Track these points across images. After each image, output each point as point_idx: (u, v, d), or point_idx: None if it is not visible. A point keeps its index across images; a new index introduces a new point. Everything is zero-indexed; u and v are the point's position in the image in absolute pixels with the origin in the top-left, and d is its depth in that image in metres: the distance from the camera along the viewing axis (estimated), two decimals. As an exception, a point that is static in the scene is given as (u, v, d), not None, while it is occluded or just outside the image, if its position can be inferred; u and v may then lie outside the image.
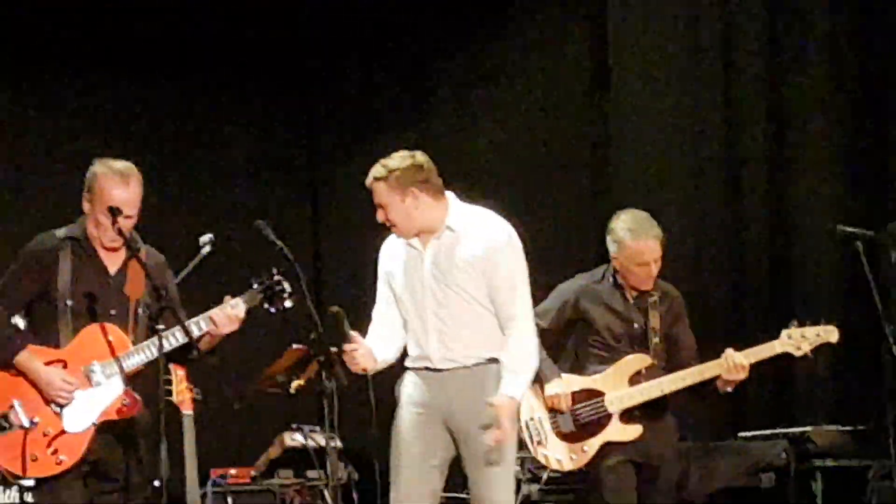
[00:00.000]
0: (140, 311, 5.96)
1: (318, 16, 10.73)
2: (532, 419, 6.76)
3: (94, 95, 10.44)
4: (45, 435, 5.82)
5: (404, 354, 6.07)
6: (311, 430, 9.01)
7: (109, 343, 5.87)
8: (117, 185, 5.86)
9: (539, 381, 6.67)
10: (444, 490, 6.03)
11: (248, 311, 5.96)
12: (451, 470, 5.99)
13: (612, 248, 6.78)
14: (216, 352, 6.09)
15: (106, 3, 9.98)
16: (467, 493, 6.04)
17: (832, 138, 8.66)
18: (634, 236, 6.70)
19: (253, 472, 9.17)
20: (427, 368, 5.97)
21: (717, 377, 6.65)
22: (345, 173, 10.34)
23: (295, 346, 8.29)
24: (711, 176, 9.08)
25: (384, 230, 6.01)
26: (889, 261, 6.87)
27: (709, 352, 6.75)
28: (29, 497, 7.64)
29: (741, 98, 8.99)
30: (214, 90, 10.80)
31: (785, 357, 6.70)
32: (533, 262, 6.09)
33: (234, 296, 5.95)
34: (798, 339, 6.63)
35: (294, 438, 9.16)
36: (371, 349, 5.97)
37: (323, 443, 8.68)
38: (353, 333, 5.91)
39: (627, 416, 6.71)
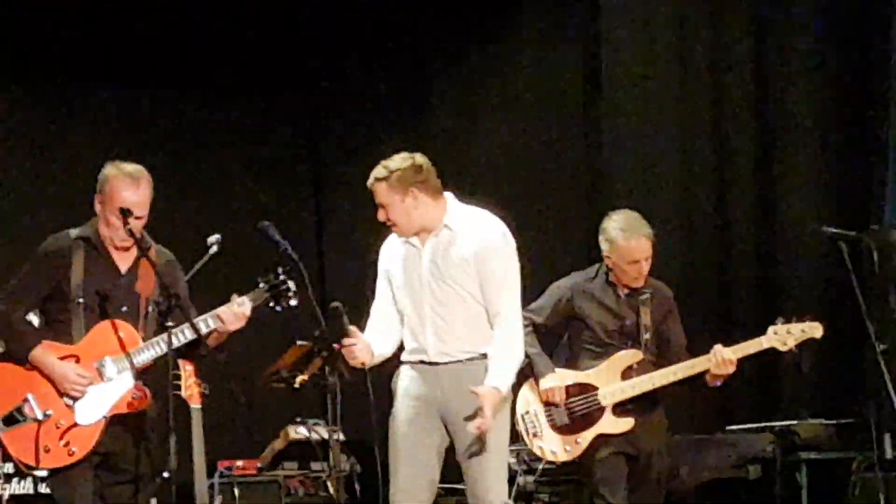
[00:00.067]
0: (150, 308, 6.00)
1: (319, 16, 10.67)
2: (528, 412, 6.85)
3: (101, 99, 10.47)
4: (57, 427, 5.87)
5: (400, 349, 6.13)
6: (314, 424, 9.06)
7: (120, 339, 5.92)
8: (128, 186, 5.91)
9: (534, 375, 6.83)
10: (442, 481, 6.08)
11: (255, 309, 5.99)
12: (449, 462, 6.04)
13: (604, 247, 6.86)
14: (223, 348, 6.12)
15: (107, 4, 9.95)
16: (464, 485, 6.07)
17: (819, 142, 8.70)
18: (626, 236, 6.77)
19: (259, 464, 9.19)
20: (423, 362, 6.03)
21: (707, 372, 6.72)
22: (347, 173, 10.33)
23: (299, 342, 8.39)
24: (701, 178, 9.14)
25: (385, 229, 6.08)
26: (872, 261, 6.96)
27: (698, 347, 6.82)
28: (43, 487, 7.73)
29: (730, 102, 9.04)
30: (217, 92, 10.77)
31: (771, 352, 6.77)
32: (528, 260, 6.17)
33: (240, 294, 5.99)
34: (784, 335, 6.70)
35: (298, 431, 9.19)
36: (369, 344, 6.02)
37: (326, 435, 8.79)
38: (352, 328, 5.96)
39: (620, 409, 6.79)
